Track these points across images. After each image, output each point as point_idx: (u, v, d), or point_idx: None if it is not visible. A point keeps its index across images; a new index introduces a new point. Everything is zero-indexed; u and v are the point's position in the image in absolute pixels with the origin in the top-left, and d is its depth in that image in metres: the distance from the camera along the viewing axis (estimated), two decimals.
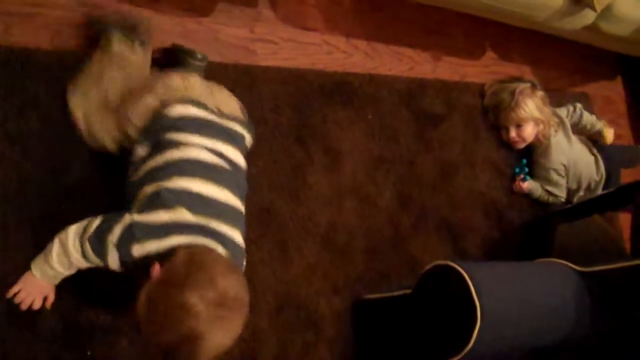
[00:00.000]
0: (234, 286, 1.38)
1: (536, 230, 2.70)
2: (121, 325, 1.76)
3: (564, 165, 2.79)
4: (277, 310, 2.05)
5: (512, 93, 2.72)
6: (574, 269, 2.10)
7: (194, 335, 1.28)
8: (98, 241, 1.46)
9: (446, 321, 1.79)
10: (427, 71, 2.76)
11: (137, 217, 1.46)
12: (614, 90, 3.54)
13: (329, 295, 2.17)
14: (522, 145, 2.81)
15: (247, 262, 1.64)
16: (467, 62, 2.92)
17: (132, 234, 1.44)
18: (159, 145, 1.59)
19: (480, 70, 2.94)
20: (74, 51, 1.90)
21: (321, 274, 2.18)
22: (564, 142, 2.81)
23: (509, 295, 1.86)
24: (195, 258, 1.38)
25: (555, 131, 2.79)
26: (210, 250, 1.45)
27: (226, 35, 2.23)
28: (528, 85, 2.77)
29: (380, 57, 2.63)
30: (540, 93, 2.79)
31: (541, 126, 2.76)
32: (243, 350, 1.95)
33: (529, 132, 2.75)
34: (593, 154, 2.91)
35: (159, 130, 1.60)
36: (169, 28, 2.11)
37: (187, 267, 1.35)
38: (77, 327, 1.70)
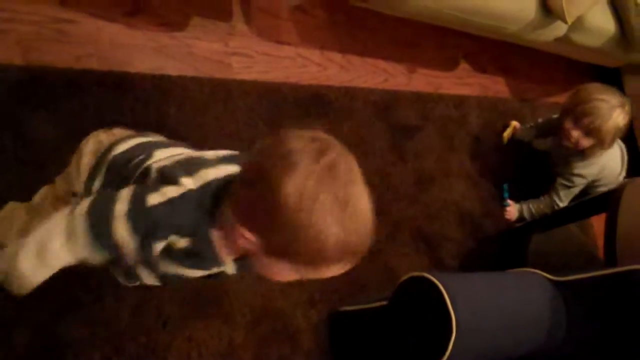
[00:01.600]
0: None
1: (511, 239, 2.73)
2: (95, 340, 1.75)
3: (594, 175, 2.77)
4: (253, 323, 2.04)
5: (613, 108, 2.52)
6: (548, 278, 2.12)
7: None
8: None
9: (422, 332, 1.80)
10: (402, 83, 2.79)
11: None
12: None
13: (306, 308, 2.17)
14: (570, 144, 2.66)
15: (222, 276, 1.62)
16: (441, 74, 2.95)
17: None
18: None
19: (454, 81, 2.98)
20: (47, 67, 1.89)
21: (297, 286, 2.18)
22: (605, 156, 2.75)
23: (484, 305, 1.88)
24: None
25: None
26: None
27: (200, 50, 2.23)
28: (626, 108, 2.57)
29: (355, 70, 2.64)
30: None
31: (597, 145, 2.63)
32: None
33: (586, 144, 2.62)
34: (619, 147, 2.84)
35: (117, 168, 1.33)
36: (142, 43, 2.11)
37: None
38: (52, 341, 1.69)
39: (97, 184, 1.33)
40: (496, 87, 3.17)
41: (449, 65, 3.01)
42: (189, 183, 1.13)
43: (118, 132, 1.48)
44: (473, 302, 1.83)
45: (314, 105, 2.44)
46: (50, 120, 1.84)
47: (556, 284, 2.10)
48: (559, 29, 2.79)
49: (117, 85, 2.00)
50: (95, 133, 1.48)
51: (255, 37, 2.39)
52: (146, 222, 1.10)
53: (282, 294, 2.13)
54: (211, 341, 1.92)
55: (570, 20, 2.65)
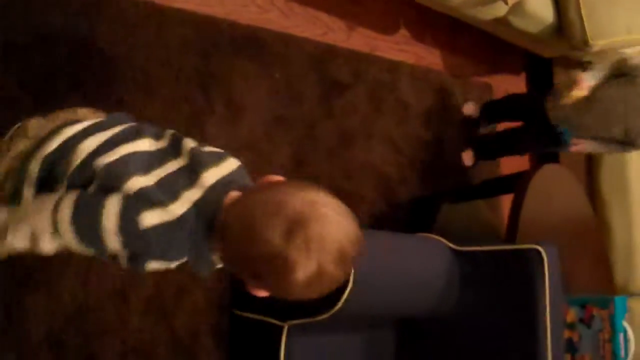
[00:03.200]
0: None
1: (422, 207, 2.80)
2: None
3: None
4: None
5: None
6: (449, 246, 2.20)
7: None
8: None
9: None
10: (340, 39, 2.79)
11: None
12: (516, 85, 3.66)
13: None
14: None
15: None
16: (380, 37, 2.97)
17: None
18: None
19: (391, 46, 3.00)
20: None
21: None
22: None
23: (382, 263, 1.94)
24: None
25: None
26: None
27: None
28: None
29: (295, 18, 2.64)
30: None
31: None
32: None
33: None
34: None
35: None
36: None
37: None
38: None
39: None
40: (431, 58, 3.20)
41: (390, 29, 3.03)
42: (176, 208, 1.11)
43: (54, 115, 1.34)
44: (373, 258, 1.87)
45: (249, 46, 2.43)
46: None
47: (455, 252, 2.18)
48: (499, 9, 2.84)
49: None
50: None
51: None
52: (139, 243, 1.11)
53: None
54: None
55: (510, 2, 2.70)
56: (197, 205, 1.13)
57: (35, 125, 1.28)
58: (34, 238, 1.13)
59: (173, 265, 1.16)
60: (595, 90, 2.52)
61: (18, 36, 1.88)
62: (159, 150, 1.23)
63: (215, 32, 2.34)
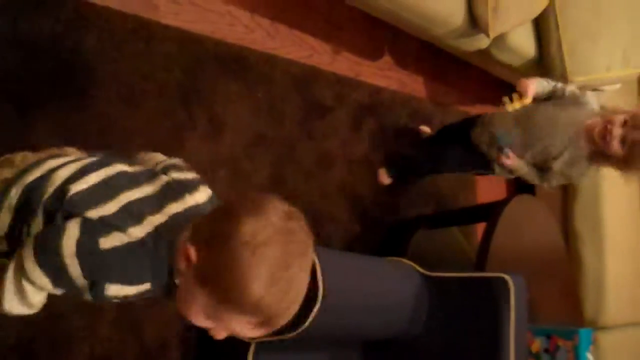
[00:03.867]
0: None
1: (397, 231, 2.84)
2: None
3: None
4: None
5: None
6: (419, 271, 2.23)
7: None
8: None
9: None
10: (325, 62, 2.84)
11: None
12: None
13: None
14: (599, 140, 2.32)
15: None
16: (364, 62, 3.02)
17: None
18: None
19: (375, 71, 3.05)
20: None
21: None
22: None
23: (352, 284, 1.97)
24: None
25: None
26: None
27: None
28: None
29: (281, 39, 2.68)
30: None
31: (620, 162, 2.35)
32: None
33: (615, 150, 2.29)
34: None
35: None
36: None
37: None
38: None
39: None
40: (414, 85, 3.26)
41: (374, 55, 3.08)
42: (136, 231, 1.14)
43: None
44: (343, 279, 1.91)
45: (234, 65, 2.47)
46: None
47: (425, 277, 2.22)
48: (481, 41, 2.89)
49: (40, 2, 1.99)
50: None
51: None
52: (98, 265, 1.12)
53: None
54: None
55: (492, 35, 2.75)
56: (158, 229, 1.16)
57: (22, 157, 1.34)
58: (22, 297, 1.16)
59: (133, 290, 1.16)
60: (533, 106, 2.46)
61: (4, 46, 1.91)
62: (133, 174, 1.26)
63: (201, 49, 2.38)
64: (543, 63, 3.18)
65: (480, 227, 3.06)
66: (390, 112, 3.06)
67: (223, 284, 1.06)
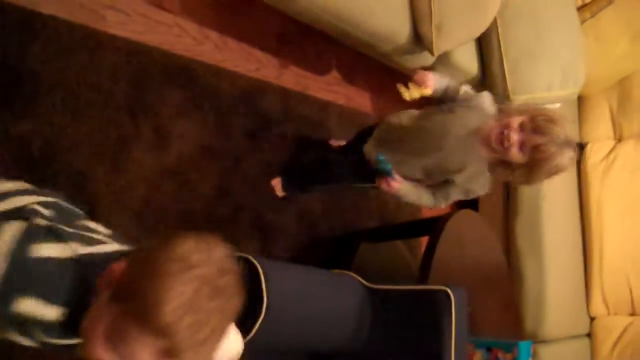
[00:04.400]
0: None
1: (342, 244, 2.86)
2: None
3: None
4: None
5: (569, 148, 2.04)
6: (363, 284, 2.26)
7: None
8: None
9: None
10: (272, 76, 2.86)
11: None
12: None
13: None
14: (496, 146, 2.09)
15: None
16: (312, 76, 3.05)
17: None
18: None
19: (322, 86, 3.08)
20: None
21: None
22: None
23: (296, 296, 1.98)
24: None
25: None
26: None
27: None
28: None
29: (229, 52, 2.69)
30: None
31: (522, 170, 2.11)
32: None
33: (515, 157, 2.07)
34: None
35: None
36: None
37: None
38: None
39: None
40: (360, 100, 3.30)
41: (322, 70, 3.11)
42: (79, 248, 1.12)
43: None
44: (286, 291, 1.93)
45: (181, 76, 2.47)
46: None
47: (369, 290, 2.25)
48: (425, 58, 2.95)
49: None
50: None
51: None
52: (22, 272, 1.07)
53: None
54: None
55: (437, 53, 2.81)
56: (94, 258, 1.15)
57: None
58: None
59: (46, 311, 1.09)
60: (422, 114, 2.30)
61: None
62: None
63: (148, 60, 2.37)
64: (486, 81, 3.25)
65: (424, 241, 3.11)
66: (336, 126, 3.08)
67: (141, 295, 1.01)
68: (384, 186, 2.23)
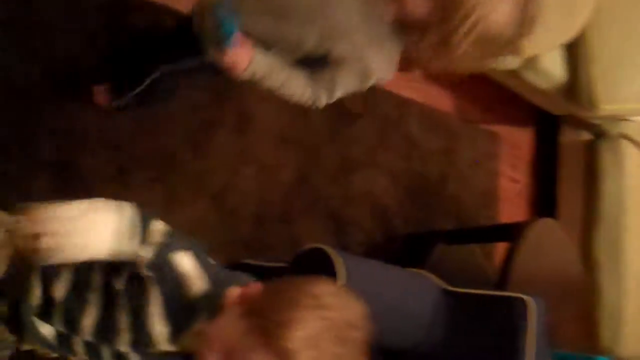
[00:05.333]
0: None
1: (416, 243, 2.81)
2: None
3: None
4: None
5: None
6: (439, 285, 2.22)
7: None
8: None
9: None
10: None
11: None
12: (523, 137, 3.69)
13: (207, 252, 2.20)
14: None
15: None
16: (401, 75, 2.99)
17: None
18: None
19: (403, 83, 3.03)
20: None
21: (204, 230, 2.22)
22: None
23: (373, 290, 1.95)
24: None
25: None
26: None
27: None
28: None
29: None
30: None
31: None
32: None
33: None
34: None
35: None
36: None
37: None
38: None
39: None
40: (441, 99, 3.23)
41: (405, 66, 3.06)
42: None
43: None
44: (365, 284, 1.90)
45: None
46: None
47: (445, 292, 2.20)
48: (511, 62, 2.88)
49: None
50: None
51: None
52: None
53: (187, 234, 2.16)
54: None
55: (524, 57, 2.74)
56: None
57: None
58: None
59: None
60: None
61: None
62: None
63: None
64: (573, 88, 3.16)
65: (499, 247, 3.04)
66: (415, 125, 3.04)
67: (274, 316, 1.03)
68: (225, 59, 1.43)
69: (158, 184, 2.15)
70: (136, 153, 2.12)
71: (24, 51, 1.95)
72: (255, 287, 1.11)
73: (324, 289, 1.08)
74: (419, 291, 2.17)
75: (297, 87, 1.53)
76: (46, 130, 1.98)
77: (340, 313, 1.07)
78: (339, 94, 1.55)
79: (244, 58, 1.43)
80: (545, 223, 2.71)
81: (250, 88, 2.34)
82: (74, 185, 1.99)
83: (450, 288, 2.23)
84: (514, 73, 3.02)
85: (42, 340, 1.26)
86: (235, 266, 2.26)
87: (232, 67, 1.45)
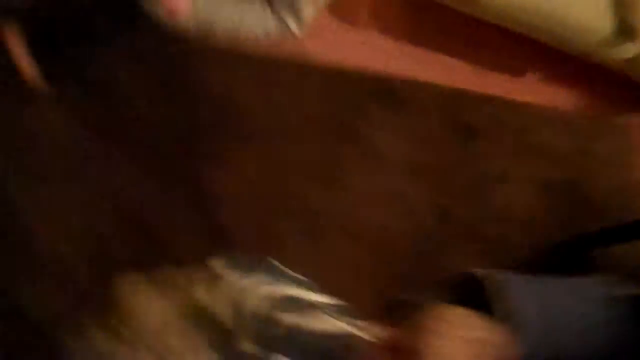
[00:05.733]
0: None
1: (571, 249, 2.66)
2: None
3: None
4: None
5: None
6: (606, 290, 2.10)
7: None
8: None
9: None
10: (471, 83, 2.77)
11: None
12: None
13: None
14: None
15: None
16: (509, 79, 2.92)
17: None
18: None
19: (520, 87, 2.93)
20: None
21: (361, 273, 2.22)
22: None
23: (538, 309, 1.88)
24: None
25: None
26: None
27: None
28: None
29: (423, 63, 2.66)
30: None
31: None
32: None
33: None
34: None
35: None
36: None
37: None
38: None
39: None
40: (563, 99, 3.10)
41: (519, 71, 2.97)
42: None
43: None
44: (528, 304, 1.84)
45: (381, 94, 2.47)
46: None
47: (613, 297, 2.10)
48: (626, 50, 2.79)
49: None
50: None
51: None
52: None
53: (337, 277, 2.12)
54: None
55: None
56: None
57: None
58: None
59: None
60: None
61: None
62: None
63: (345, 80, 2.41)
64: None
65: None
66: (543, 130, 2.93)
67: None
68: (163, 2, 1.24)
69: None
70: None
71: None
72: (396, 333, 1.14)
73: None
74: (585, 300, 2.07)
75: (256, 19, 1.29)
76: None
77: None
78: (307, 13, 1.31)
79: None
80: None
81: (373, 121, 2.35)
82: None
83: (619, 292, 2.11)
84: (632, 61, 2.88)
85: None
86: (392, 302, 2.22)
87: (172, 10, 1.23)
